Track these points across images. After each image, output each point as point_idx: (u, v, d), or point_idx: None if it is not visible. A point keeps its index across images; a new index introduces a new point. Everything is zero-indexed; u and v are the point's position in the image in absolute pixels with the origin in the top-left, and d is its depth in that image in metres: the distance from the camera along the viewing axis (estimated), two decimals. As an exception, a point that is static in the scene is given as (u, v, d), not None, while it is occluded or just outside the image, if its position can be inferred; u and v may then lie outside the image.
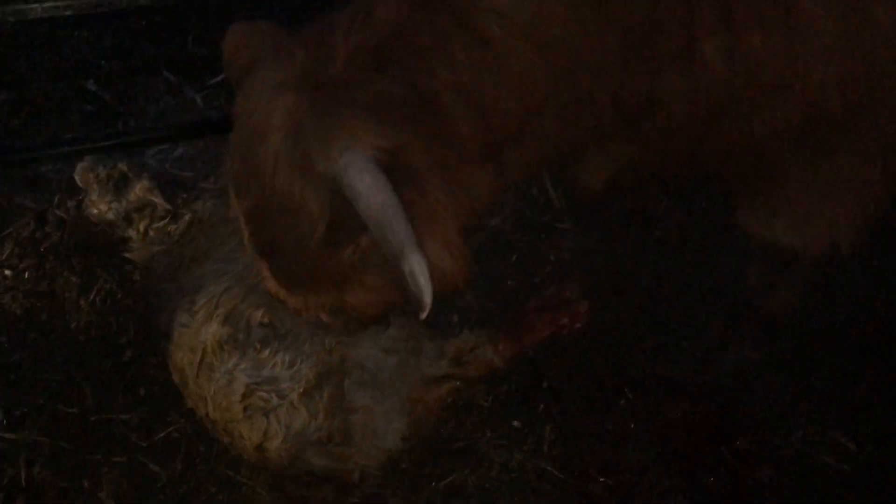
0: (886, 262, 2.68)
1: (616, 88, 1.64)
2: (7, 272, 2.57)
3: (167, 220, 2.34)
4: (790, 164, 1.82)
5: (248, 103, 1.51)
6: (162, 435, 2.22)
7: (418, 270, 1.41)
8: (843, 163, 1.81)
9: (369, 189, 1.40)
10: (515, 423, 2.34)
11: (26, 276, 2.57)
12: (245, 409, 1.91)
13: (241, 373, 1.92)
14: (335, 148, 1.41)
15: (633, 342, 2.52)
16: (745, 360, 2.42)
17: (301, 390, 1.92)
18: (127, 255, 2.40)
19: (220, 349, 1.93)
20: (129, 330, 2.43)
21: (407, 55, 1.51)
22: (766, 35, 1.59)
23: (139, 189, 2.38)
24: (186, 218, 2.32)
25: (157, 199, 2.39)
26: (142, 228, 2.36)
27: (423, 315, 1.45)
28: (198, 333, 1.96)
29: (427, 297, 1.42)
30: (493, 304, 2.61)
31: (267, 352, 1.93)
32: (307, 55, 1.49)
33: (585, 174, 1.95)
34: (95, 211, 2.40)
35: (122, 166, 2.43)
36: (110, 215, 2.37)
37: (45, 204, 2.77)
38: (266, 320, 1.96)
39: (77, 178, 2.45)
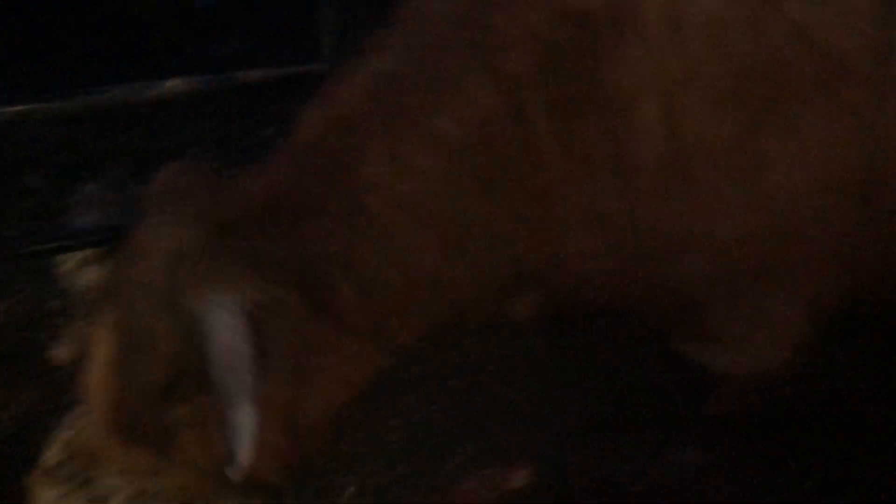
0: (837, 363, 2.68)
1: (518, 256, 1.66)
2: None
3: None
4: (711, 302, 1.84)
5: (143, 229, 1.55)
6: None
7: (245, 425, 1.39)
8: (759, 301, 1.83)
9: (225, 329, 1.41)
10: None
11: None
12: None
13: None
14: (207, 287, 1.44)
15: (574, 442, 2.48)
16: (686, 462, 2.39)
17: None
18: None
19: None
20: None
21: (293, 217, 1.55)
22: (665, 199, 1.62)
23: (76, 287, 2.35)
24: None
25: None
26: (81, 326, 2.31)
27: (235, 475, 1.41)
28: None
29: (243, 457, 1.39)
30: (435, 406, 2.56)
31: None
32: (210, 198, 1.55)
33: (506, 310, 1.95)
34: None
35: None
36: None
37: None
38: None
39: None
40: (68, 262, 2.63)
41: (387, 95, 1.61)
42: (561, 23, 1.58)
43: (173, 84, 2.45)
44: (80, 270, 2.56)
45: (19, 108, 2.62)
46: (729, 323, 1.92)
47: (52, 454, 1.94)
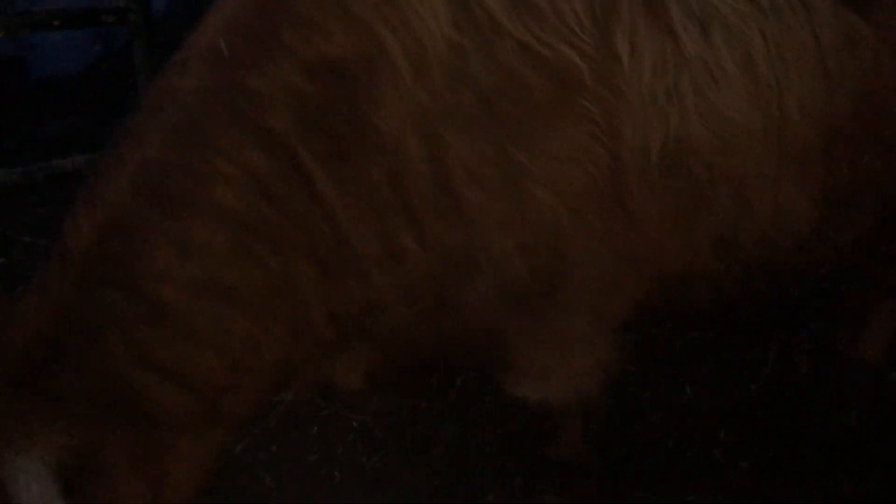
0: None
1: (328, 307, 1.65)
2: None
3: None
4: (516, 330, 1.88)
5: None
6: None
7: None
8: (556, 321, 1.89)
9: (35, 498, 1.33)
10: None
11: None
12: None
13: None
14: (9, 451, 1.34)
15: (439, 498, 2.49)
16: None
17: None
18: None
19: None
20: None
21: (82, 340, 1.44)
22: (445, 222, 1.68)
23: None
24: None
25: None
26: None
27: None
28: None
29: None
30: (294, 486, 2.51)
31: None
32: None
33: (339, 376, 1.93)
34: None
35: None
36: None
37: None
38: None
39: None
40: None
41: (156, 183, 1.54)
42: (315, 74, 1.59)
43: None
44: None
45: None
46: (534, 351, 1.95)
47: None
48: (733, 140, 1.83)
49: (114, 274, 1.48)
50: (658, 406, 2.76)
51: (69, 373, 1.41)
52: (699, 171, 1.86)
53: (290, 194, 1.59)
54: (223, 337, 1.55)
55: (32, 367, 1.40)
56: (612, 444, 2.58)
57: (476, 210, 1.69)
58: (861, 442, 2.61)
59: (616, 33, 1.76)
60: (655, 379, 2.84)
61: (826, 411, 2.72)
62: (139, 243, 1.50)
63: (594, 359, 2.00)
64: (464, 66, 1.69)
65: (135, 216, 1.51)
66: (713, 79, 1.80)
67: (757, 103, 1.83)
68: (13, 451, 1.33)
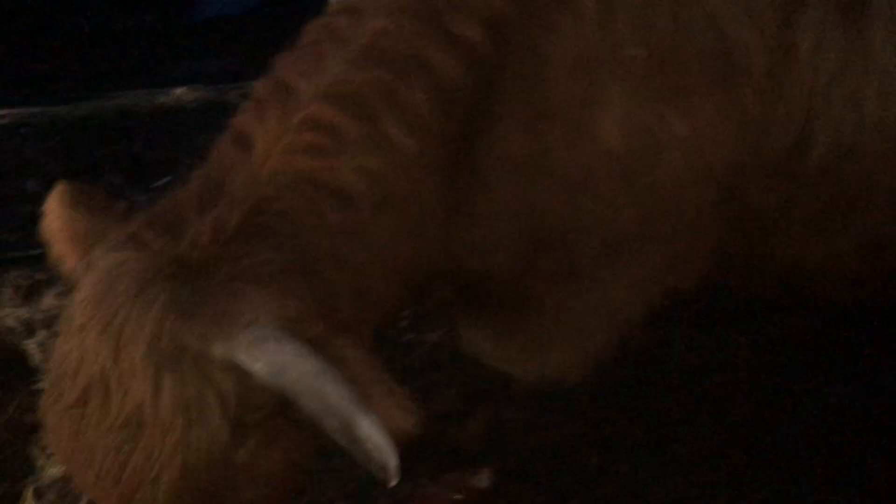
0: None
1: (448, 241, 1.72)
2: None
3: None
4: (549, 293, 1.89)
5: (100, 310, 1.33)
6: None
7: (376, 432, 1.26)
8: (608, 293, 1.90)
9: (295, 358, 1.27)
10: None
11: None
12: None
13: None
14: (236, 327, 1.29)
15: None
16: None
17: None
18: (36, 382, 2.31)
19: None
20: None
21: (277, 224, 1.46)
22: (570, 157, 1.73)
23: (51, 297, 2.31)
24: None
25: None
26: (44, 341, 2.27)
27: (393, 481, 1.28)
28: None
29: (393, 460, 1.27)
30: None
31: None
32: (163, 239, 1.38)
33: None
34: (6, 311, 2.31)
35: (40, 275, 2.35)
36: (10, 321, 2.28)
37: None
38: None
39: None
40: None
41: (355, 80, 1.58)
42: None
43: (181, 92, 2.44)
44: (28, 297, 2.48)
45: (19, 111, 2.59)
46: (558, 321, 1.94)
47: (52, 468, 1.89)
48: None
49: (309, 164, 1.53)
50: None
51: (262, 249, 1.42)
52: (858, 178, 1.83)
53: (466, 110, 1.64)
54: (381, 244, 1.61)
55: (224, 248, 1.40)
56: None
57: (604, 170, 1.72)
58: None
59: (802, 30, 1.72)
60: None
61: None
62: (335, 137, 1.55)
63: (611, 339, 2.01)
64: (649, 24, 1.70)
65: (334, 112, 1.56)
66: None
67: None
68: (241, 324, 1.29)
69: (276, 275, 1.40)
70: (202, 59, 5.10)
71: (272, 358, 1.28)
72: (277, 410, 1.34)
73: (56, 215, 1.55)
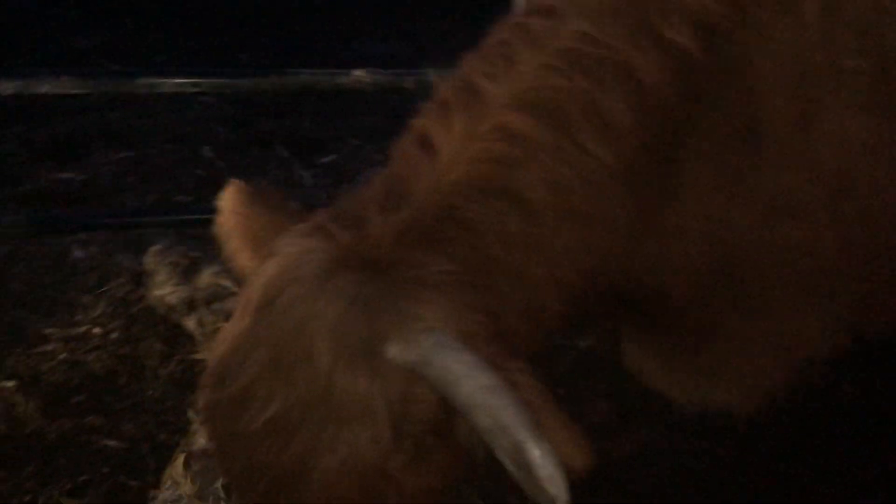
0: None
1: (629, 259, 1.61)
2: (97, 330, 2.61)
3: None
4: (730, 320, 1.74)
5: (283, 293, 1.31)
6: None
7: (550, 464, 1.18)
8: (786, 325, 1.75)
9: (472, 370, 1.21)
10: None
11: (113, 336, 2.60)
12: None
13: None
14: (415, 330, 1.25)
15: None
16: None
17: None
18: (196, 353, 2.39)
19: None
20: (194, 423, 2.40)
21: (458, 232, 1.40)
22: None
23: (208, 275, 2.37)
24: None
25: (228, 283, 2.36)
26: (203, 318, 2.33)
27: None
28: None
29: (564, 495, 1.19)
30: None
31: None
32: (348, 234, 1.35)
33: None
34: (158, 292, 2.40)
35: (195, 254, 2.42)
36: (172, 298, 2.36)
37: (143, 266, 2.83)
38: None
39: (147, 261, 2.45)
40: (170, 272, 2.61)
41: (550, 87, 1.47)
42: None
43: (359, 74, 2.45)
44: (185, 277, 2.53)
45: (202, 81, 2.67)
46: (736, 350, 1.78)
47: (202, 436, 1.94)
48: None
49: (495, 173, 1.45)
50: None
51: (441, 258, 1.36)
52: None
53: (670, 118, 1.51)
54: (560, 257, 1.50)
55: (406, 252, 1.34)
56: None
57: (816, 188, 1.58)
58: None
59: None
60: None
61: None
62: (524, 146, 1.45)
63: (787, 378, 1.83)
64: (876, 34, 1.56)
65: (523, 119, 1.46)
66: None
67: None
68: (419, 329, 1.24)
69: (456, 286, 1.34)
70: (377, 42, 5.22)
71: (449, 366, 1.22)
72: (435, 427, 1.28)
73: (230, 213, 1.53)
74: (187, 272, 2.34)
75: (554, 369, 2.62)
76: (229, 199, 1.54)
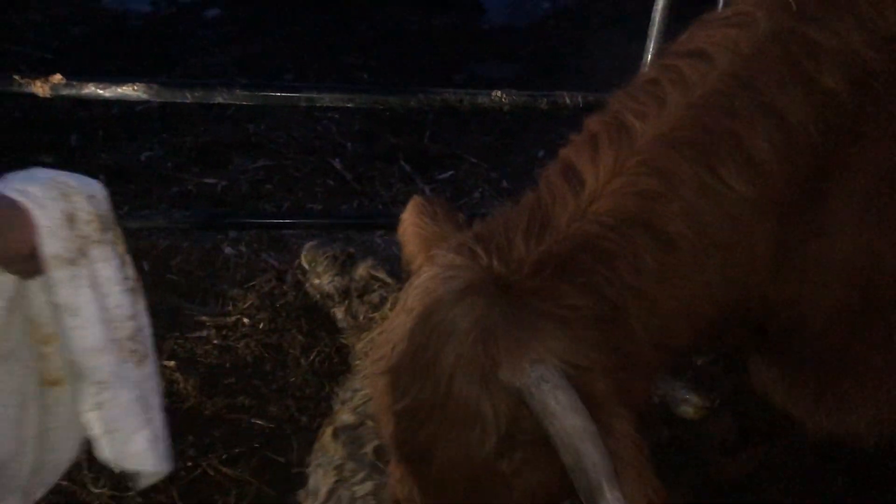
0: None
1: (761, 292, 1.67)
2: (245, 320, 2.87)
3: (388, 301, 2.49)
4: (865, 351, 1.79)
5: (428, 300, 1.47)
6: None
7: None
8: None
9: (565, 410, 1.32)
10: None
11: (260, 327, 2.85)
12: None
13: None
14: (525, 359, 1.37)
15: None
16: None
17: None
18: (342, 339, 2.58)
19: None
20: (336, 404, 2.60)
21: (595, 263, 1.49)
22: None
23: (363, 269, 2.56)
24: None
25: (382, 276, 2.55)
26: (355, 308, 2.52)
27: None
28: None
29: None
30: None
31: None
32: (490, 257, 1.47)
33: None
34: (317, 281, 2.60)
35: (350, 249, 2.63)
36: (329, 287, 2.56)
37: (286, 265, 3.08)
38: None
39: (304, 254, 2.65)
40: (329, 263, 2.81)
41: (697, 125, 1.56)
42: (880, 46, 1.57)
43: (497, 95, 2.64)
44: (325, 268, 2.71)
45: (333, 95, 2.88)
46: (870, 379, 1.82)
47: (345, 414, 2.13)
48: None
49: (636, 205, 1.53)
50: None
51: (574, 290, 1.46)
52: None
53: (812, 159, 1.59)
54: (695, 288, 1.59)
55: (542, 281, 1.45)
56: None
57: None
58: None
59: None
60: None
61: None
62: (667, 179, 1.54)
63: None
64: None
65: (669, 155, 1.55)
66: None
67: None
68: (530, 359, 1.36)
69: (579, 322, 1.44)
70: (484, 63, 5.43)
71: (546, 400, 1.34)
72: (544, 439, 1.39)
73: (410, 222, 1.74)
74: (344, 265, 2.55)
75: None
76: (410, 211, 1.76)
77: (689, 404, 2.29)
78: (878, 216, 1.66)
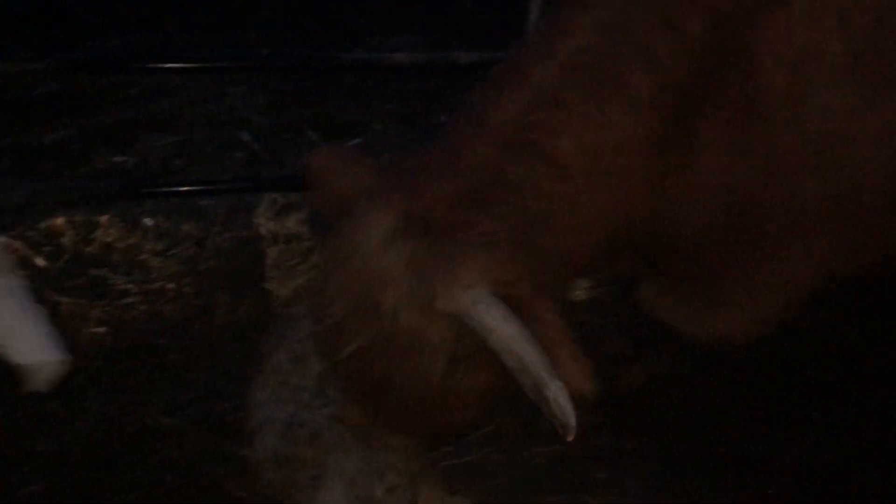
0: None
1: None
2: (170, 286, 2.98)
3: (313, 252, 2.66)
4: (735, 261, 2.06)
5: (358, 253, 1.65)
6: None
7: (561, 397, 1.50)
8: (779, 268, 2.06)
9: (501, 322, 1.52)
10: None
11: (185, 290, 2.97)
12: None
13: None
14: (458, 287, 1.56)
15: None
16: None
17: None
18: (265, 285, 2.74)
19: None
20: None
21: (503, 193, 1.68)
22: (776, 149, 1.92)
23: (294, 219, 2.72)
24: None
25: (307, 228, 2.70)
26: (280, 255, 2.68)
27: (570, 437, 1.51)
28: None
29: (572, 420, 1.50)
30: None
31: None
32: (408, 200, 1.64)
33: None
34: (256, 220, 2.73)
35: (293, 197, 2.77)
36: (262, 230, 2.70)
37: (206, 231, 3.20)
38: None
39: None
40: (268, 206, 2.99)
41: (584, 68, 1.77)
42: None
43: (399, 57, 2.82)
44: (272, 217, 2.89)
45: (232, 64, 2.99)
46: (737, 286, 2.10)
47: (282, 353, 2.32)
48: None
49: (537, 140, 1.74)
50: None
51: (488, 219, 1.66)
52: None
53: (684, 96, 1.83)
54: (589, 213, 1.82)
55: (458, 214, 1.64)
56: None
57: (803, 147, 1.90)
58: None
59: None
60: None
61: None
62: (562, 117, 1.76)
63: (784, 308, 2.15)
64: (853, 23, 1.86)
65: (561, 94, 1.76)
66: None
67: None
68: (462, 287, 1.55)
69: (496, 245, 1.64)
70: (385, 36, 5.58)
71: (482, 319, 1.54)
72: (484, 349, 1.60)
73: (320, 169, 1.89)
74: (280, 212, 2.69)
75: (574, 308, 2.99)
76: (319, 159, 1.92)
77: (579, 286, 2.56)
78: (738, 144, 1.92)
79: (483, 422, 1.88)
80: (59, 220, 3.13)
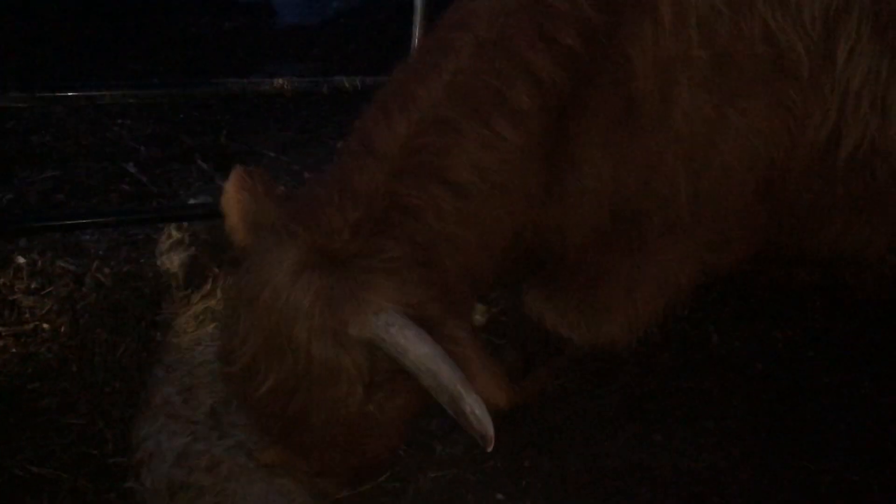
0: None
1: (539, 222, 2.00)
2: (45, 325, 2.83)
3: (212, 284, 2.55)
4: (616, 264, 2.14)
5: (265, 289, 1.65)
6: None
7: (478, 409, 1.53)
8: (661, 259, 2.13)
9: (414, 342, 1.55)
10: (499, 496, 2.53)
11: (62, 330, 2.82)
12: None
13: None
14: (368, 313, 1.58)
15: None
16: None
17: None
18: (174, 340, 2.63)
19: None
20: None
21: (404, 217, 1.72)
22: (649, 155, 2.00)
23: (194, 250, 2.61)
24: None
25: (208, 261, 2.60)
26: (179, 289, 2.58)
27: (490, 447, 1.54)
28: None
29: (490, 431, 1.54)
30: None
31: None
32: (310, 233, 1.66)
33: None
34: (159, 256, 2.64)
35: (187, 228, 2.67)
36: (161, 262, 2.61)
37: (85, 268, 3.06)
38: None
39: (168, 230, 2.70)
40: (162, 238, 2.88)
41: (468, 87, 1.81)
42: (601, 6, 1.89)
43: (279, 82, 2.77)
44: (170, 248, 2.80)
45: (117, 93, 2.90)
46: (619, 290, 2.17)
47: (169, 385, 2.23)
48: None
49: (429, 162, 1.76)
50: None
51: (391, 244, 1.68)
52: (885, 174, 2.06)
53: (564, 104, 1.88)
54: (490, 227, 1.86)
55: (361, 242, 1.66)
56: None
57: (674, 150, 1.98)
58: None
59: (840, 40, 1.97)
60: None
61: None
62: (451, 137, 1.78)
63: (658, 309, 2.22)
64: (714, 31, 1.94)
65: (447, 113, 1.79)
66: None
67: None
68: (372, 312, 1.57)
69: (402, 268, 1.67)
70: (277, 64, 5.53)
71: (396, 341, 1.56)
72: (400, 372, 1.63)
73: (231, 194, 1.89)
74: (176, 246, 2.59)
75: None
76: (231, 182, 1.91)
77: (476, 312, 2.58)
78: (615, 148, 1.98)
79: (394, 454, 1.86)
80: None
